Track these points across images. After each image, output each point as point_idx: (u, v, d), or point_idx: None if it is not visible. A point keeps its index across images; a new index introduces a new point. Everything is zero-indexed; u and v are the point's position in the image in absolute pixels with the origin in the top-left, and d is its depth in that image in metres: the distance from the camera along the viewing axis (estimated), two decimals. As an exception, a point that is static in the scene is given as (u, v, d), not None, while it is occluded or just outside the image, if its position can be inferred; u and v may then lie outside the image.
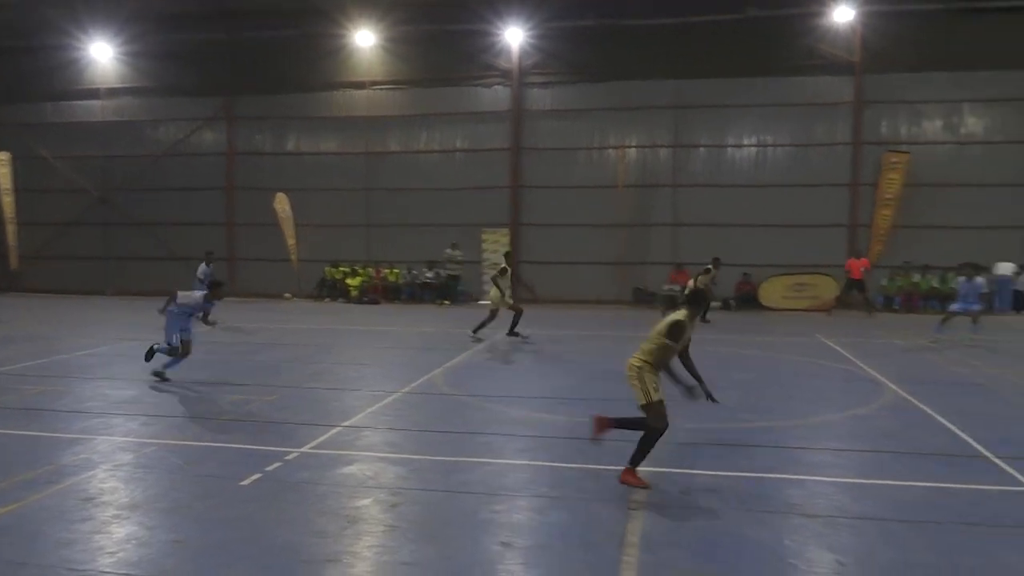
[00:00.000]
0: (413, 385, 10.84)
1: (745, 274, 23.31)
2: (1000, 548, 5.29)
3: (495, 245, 24.74)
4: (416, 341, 16.01)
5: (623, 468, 6.46)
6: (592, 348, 15.24)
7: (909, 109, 22.74)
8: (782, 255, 23.03)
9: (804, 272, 22.88)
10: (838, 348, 14.64)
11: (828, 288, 22.47)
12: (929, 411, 9.38)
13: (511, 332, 15.51)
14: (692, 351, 6.83)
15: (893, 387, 10.82)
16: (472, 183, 25.06)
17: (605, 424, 6.65)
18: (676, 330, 6.48)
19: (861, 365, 12.61)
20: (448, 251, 24.27)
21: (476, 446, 7.83)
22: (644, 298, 23.59)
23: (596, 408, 7.15)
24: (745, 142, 23.86)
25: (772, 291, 22.94)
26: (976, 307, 15.27)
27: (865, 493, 6.46)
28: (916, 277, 22.09)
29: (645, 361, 6.48)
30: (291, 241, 25.57)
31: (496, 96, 25.12)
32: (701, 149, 24.11)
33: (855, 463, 7.46)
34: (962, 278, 15.70)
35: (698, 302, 6.89)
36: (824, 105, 23.05)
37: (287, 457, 7.23)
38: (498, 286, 15.52)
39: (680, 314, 6.62)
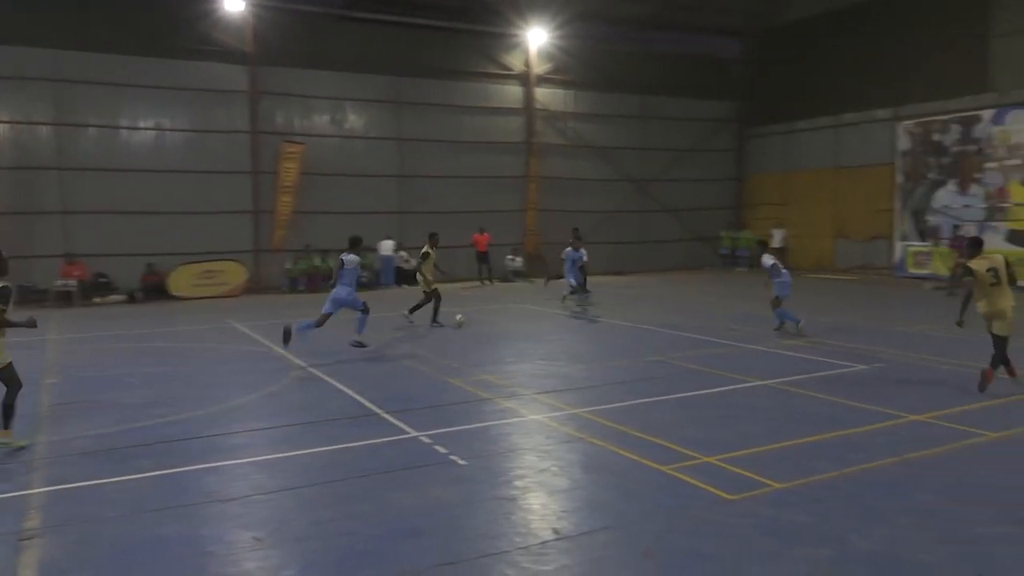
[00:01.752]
0: None
1: (149, 264, 22.20)
2: (391, 490, 6.14)
3: None
4: None
5: None
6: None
7: (301, 103, 24.37)
8: (188, 243, 22.57)
9: (212, 259, 22.82)
10: (249, 331, 15.05)
11: (237, 274, 22.85)
12: (332, 381, 10.33)
13: (411, 311, 15.78)
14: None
15: (300, 363, 11.60)
16: None
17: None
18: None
19: (271, 346, 13.19)
20: None
21: None
22: (34, 296, 20.54)
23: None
24: (142, 125, 22.59)
25: (181, 280, 22.33)
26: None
27: (280, 467, 6.83)
28: (317, 260, 23.92)
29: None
30: None
31: None
32: (91, 129, 22.01)
33: (270, 440, 7.80)
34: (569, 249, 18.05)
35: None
36: (222, 92, 23.20)
37: None
38: (420, 270, 15.59)
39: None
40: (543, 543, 5.10)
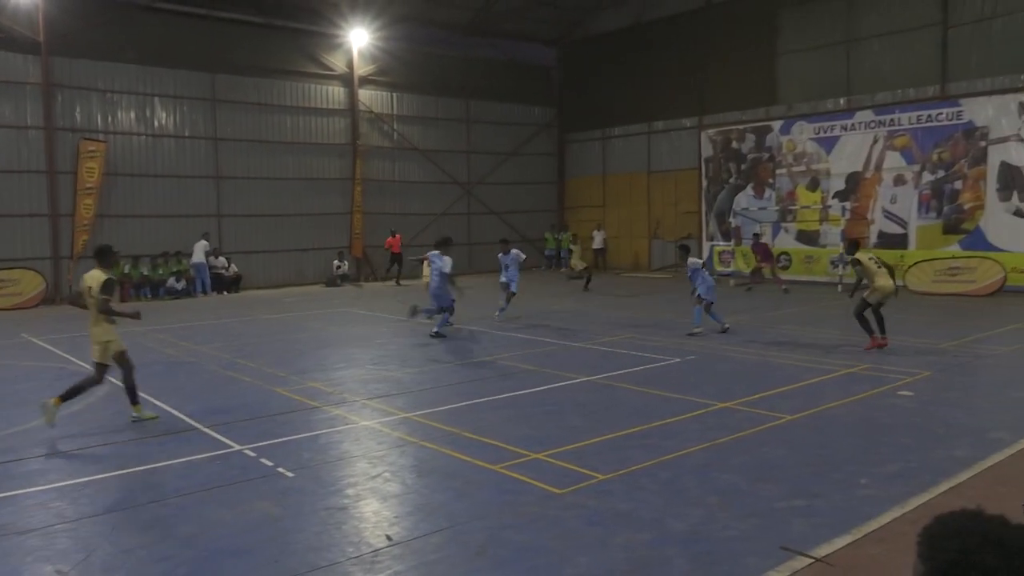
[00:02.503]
0: None
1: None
2: (212, 509, 5.82)
3: None
4: None
5: None
6: None
7: (103, 98, 22.55)
8: (-26, 250, 20.31)
9: (4, 267, 20.64)
10: (48, 346, 13.76)
11: (32, 283, 20.79)
12: (145, 396, 9.64)
13: None
14: None
15: (108, 378, 10.72)
16: None
17: None
18: None
19: (74, 360, 12.12)
20: None
21: None
22: None
23: None
24: (-90, 118, 20.05)
25: (-36, 291, 20.01)
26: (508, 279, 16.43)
27: (84, 492, 6.29)
28: (127, 267, 22.25)
29: None
30: None
31: None
32: None
33: (73, 463, 7.17)
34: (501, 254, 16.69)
35: None
36: (11, 84, 21.04)
37: None
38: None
39: None
40: (376, 551, 5.04)
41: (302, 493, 6.15)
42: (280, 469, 6.72)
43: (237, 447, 7.41)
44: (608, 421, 8.16)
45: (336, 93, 26.69)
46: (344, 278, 25.88)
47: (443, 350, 12.82)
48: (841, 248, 21.58)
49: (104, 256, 8.51)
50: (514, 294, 16.44)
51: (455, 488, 6.20)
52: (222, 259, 23.79)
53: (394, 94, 28.02)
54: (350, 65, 26.69)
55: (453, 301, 14.00)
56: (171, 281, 22.59)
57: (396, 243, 25.94)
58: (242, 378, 10.80)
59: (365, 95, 27.16)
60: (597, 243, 29.30)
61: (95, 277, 8.29)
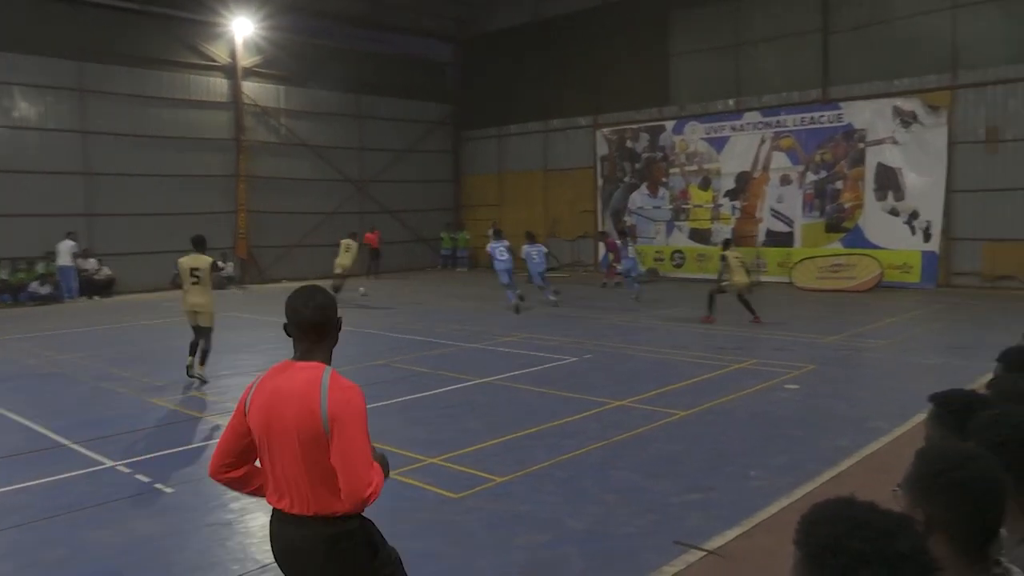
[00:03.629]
0: None
1: None
2: (85, 530, 5.52)
3: None
4: None
5: None
6: None
7: (-46, 86, 20.98)
8: None
9: None
10: None
11: None
12: (3, 412, 9.05)
13: None
14: None
15: (-37, 393, 10.01)
16: None
17: None
18: None
19: (-78, 375, 11.24)
20: None
21: None
22: None
23: None
24: None
25: None
26: None
27: (-65, 518, 5.84)
28: (-17, 270, 20.78)
29: None
30: None
31: None
32: None
33: (-79, 488, 6.64)
34: None
35: None
36: None
37: None
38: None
39: None
40: (262, 567, 4.90)
41: (183, 509, 5.92)
42: (158, 485, 6.45)
43: (110, 463, 7.06)
44: (506, 422, 8.22)
45: (218, 85, 25.77)
46: (228, 280, 25.03)
47: (336, 353, 12.56)
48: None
49: None
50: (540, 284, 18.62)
51: (349, 497, 6.09)
52: (92, 261, 22.53)
53: (281, 87, 27.30)
54: (233, 56, 25.81)
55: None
56: (34, 285, 21.22)
57: (374, 239, 26.33)
58: (115, 389, 10.28)
59: (250, 88, 26.34)
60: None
61: None
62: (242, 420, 3.00)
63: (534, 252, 18.24)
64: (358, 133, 29.35)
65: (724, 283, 14.93)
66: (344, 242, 20.57)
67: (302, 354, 3.01)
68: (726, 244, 15.75)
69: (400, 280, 26.17)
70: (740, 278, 14.69)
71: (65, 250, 21.54)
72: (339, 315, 3.09)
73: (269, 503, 3.01)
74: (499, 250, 17.63)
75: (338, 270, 20.21)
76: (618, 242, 22.72)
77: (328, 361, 3.04)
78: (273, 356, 12.39)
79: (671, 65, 25.45)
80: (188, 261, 10.80)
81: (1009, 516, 1.94)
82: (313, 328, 3.00)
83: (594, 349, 12.51)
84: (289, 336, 3.05)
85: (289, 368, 3.00)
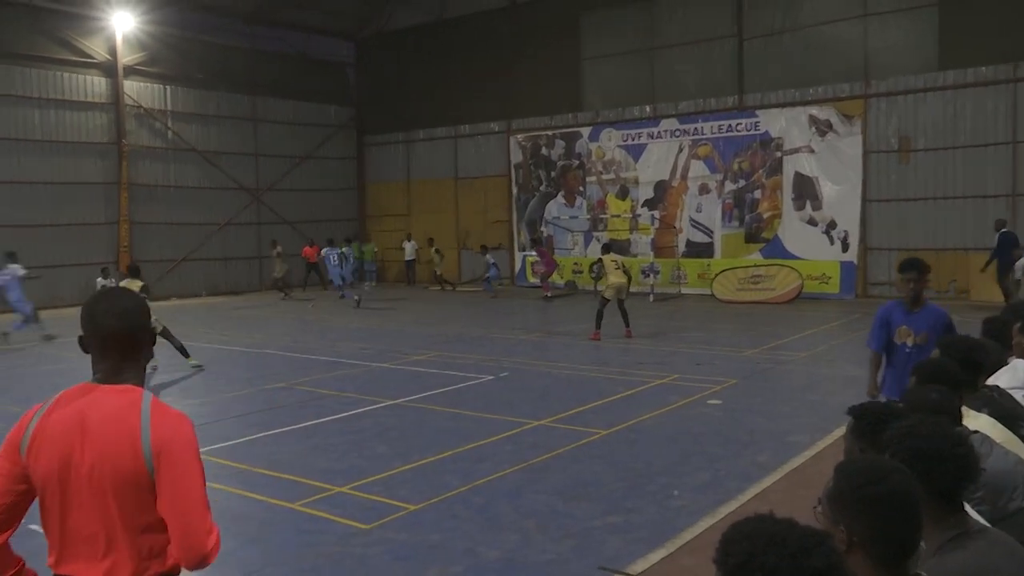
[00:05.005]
0: None
1: None
2: None
3: None
4: None
5: None
6: None
7: None
8: None
9: None
10: None
11: None
12: None
13: None
14: None
15: None
16: None
17: None
18: None
19: None
20: None
21: None
22: None
23: None
24: None
25: None
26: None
27: None
28: None
29: None
30: None
31: None
32: None
33: None
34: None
35: None
36: None
37: None
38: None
39: None
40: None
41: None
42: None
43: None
44: (417, 447, 8.16)
45: (96, 84, 24.83)
46: (109, 298, 24.03)
47: (231, 377, 12.25)
48: (651, 258, 23.08)
49: None
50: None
51: (247, 533, 5.95)
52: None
53: (167, 87, 26.51)
54: (113, 52, 24.92)
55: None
56: None
57: (312, 253, 26.38)
58: (-21, 421, 9.72)
59: (132, 87, 25.48)
60: (408, 254, 29.20)
61: None
62: (16, 462, 2.44)
63: (333, 255, 22.40)
64: (253, 138, 28.76)
65: (600, 289, 15.54)
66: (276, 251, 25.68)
67: (106, 375, 2.47)
68: (605, 249, 16.09)
69: (300, 296, 25.68)
70: (616, 278, 14.96)
71: None
72: (153, 323, 2.69)
73: (55, 571, 2.50)
74: (331, 257, 22.45)
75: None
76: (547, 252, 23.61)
77: (142, 383, 2.54)
78: (160, 379, 11.98)
79: (583, 69, 25.92)
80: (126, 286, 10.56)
81: (924, 528, 2.06)
82: (120, 341, 2.46)
83: (510, 367, 12.56)
84: (86, 352, 2.50)
85: (91, 392, 2.45)
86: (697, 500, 6.44)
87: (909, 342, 5.92)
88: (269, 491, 6.84)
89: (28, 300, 17.02)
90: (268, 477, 7.24)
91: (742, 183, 22.93)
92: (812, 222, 21.80)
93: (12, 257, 17.02)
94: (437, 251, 27.46)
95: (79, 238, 24.07)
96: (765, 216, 22.59)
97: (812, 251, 21.66)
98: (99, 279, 23.97)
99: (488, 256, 25.04)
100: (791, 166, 22.10)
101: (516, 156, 27.54)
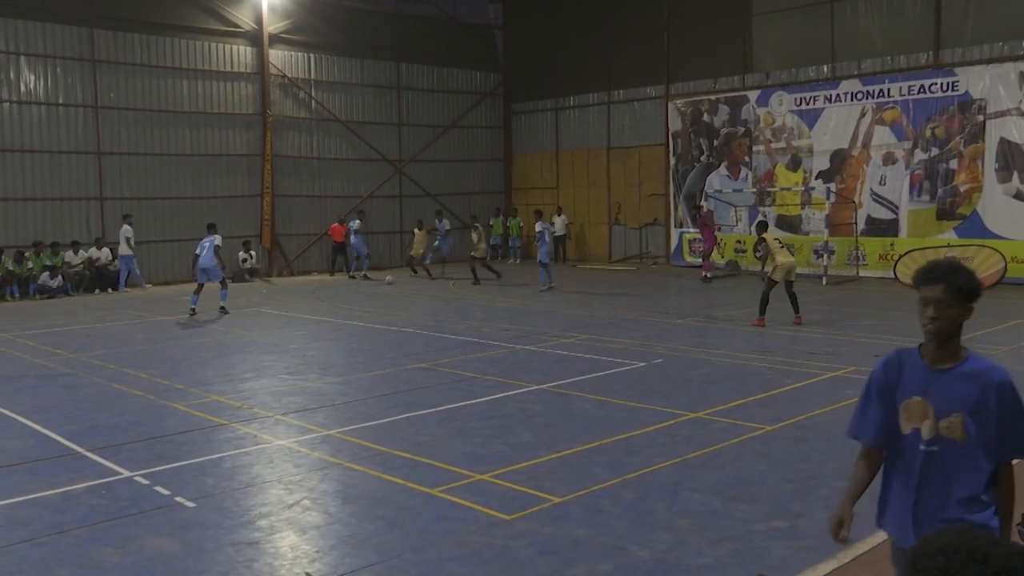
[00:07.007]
0: None
1: None
2: (96, 547, 5.70)
3: None
4: None
5: None
6: None
7: (-44, 57, 21.79)
8: None
9: None
10: None
11: None
12: (10, 414, 9.38)
13: None
14: None
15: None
16: None
17: None
18: None
19: None
20: None
21: None
22: None
23: None
24: None
25: None
26: None
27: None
28: (9, 263, 21.40)
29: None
30: None
31: None
32: None
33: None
34: None
35: None
36: None
37: None
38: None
39: None
40: (293, 592, 5.00)
41: (205, 526, 6.06)
42: (178, 498, 6.61)
43: (126, 473, 7.26)
44: (563, 435, 8.22)
45: (242, 54, 26.26)
46: (252, 272, 25.51)
47: (373, 355, 12.74)
48: (825, 236, 22.15)
49: None
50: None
51: (386, 516, 6.18)
52: (105, 251, 23.15)
53: (312, 56, 27.70)
54: (259, 21, 26.27)
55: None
56: (44, 277, 21.89)
57: (339, 232, 26.49)
58: (131, 392, 10.57)
59: (277, 56, 26.79)
60: (558, 229, 29.28)
61: None
62: None
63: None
64: (397, 107, 29.62)
65: (767, 271, 14.80)
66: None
67: None
68: (762, 227, 15.51)
69: (441, 272, 26.30)
70: (784, 257, 14.51)
71: (125, 236, 22.34)
72: None
73: None
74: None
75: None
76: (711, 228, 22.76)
77: None
78: (302, 357, 12.62)
79: (754, 26, 25.08)
80: None
81: None
82: None
83: (664, 353, 12.43)
84: None
85: None
86: (875, 508, 6.16)
87: (926, 432, 3.25)
88: (409, 475, 7.07)
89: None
90: (408, 460, 7.48)
91: (935, 152, 21.60)
92: (1020, 196, 20.30)
93: (212, 228, 18.13)
94: (476, 227, 24.34)
95: (223, 210, 25.58)
96: (963, 189, 21.22)
97: (1019, 230, 20.18)
98: (240, 253, 25.43)
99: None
100: (996, 132, 20.61)
101: (675, 123, 27.05)
